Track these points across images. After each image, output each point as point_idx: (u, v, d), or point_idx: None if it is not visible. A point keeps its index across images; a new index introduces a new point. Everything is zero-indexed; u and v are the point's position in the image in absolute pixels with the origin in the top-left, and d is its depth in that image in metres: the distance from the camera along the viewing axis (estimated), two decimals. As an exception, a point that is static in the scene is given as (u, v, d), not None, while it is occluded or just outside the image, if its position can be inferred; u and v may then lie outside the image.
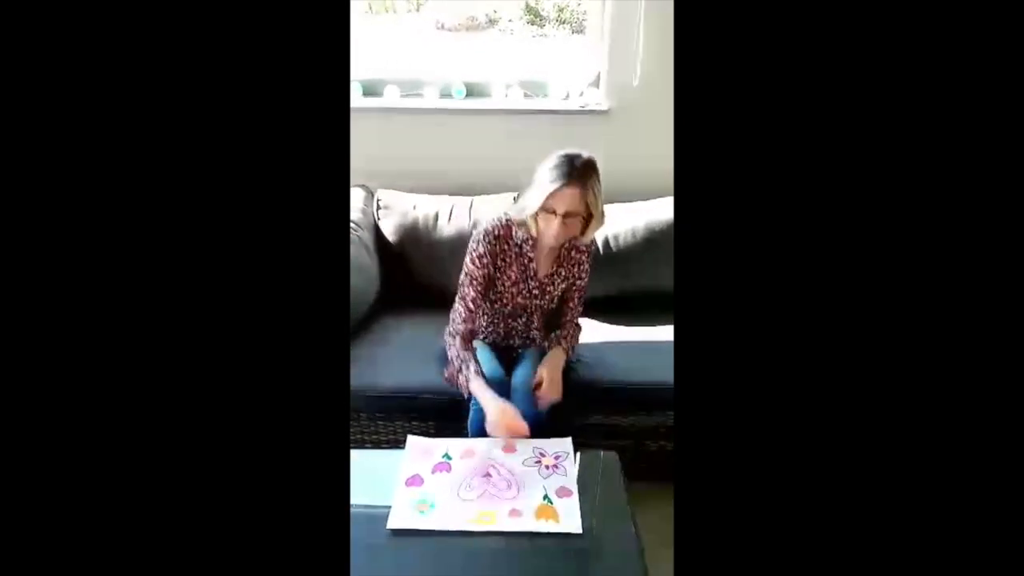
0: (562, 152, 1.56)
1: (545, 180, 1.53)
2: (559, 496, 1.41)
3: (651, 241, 2.23)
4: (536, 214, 1.57)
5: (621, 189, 2.30)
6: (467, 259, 1.69)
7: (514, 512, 1.36)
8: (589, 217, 1.59)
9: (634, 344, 2.05)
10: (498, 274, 1.71)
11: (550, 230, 1.57)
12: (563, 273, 1.76)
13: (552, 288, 1.76)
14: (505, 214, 1.70)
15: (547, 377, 1.65)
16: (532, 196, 1.56)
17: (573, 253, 1.75)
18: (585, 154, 1.56)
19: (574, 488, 1.44)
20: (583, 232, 1.63)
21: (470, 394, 1.62)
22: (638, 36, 2.29)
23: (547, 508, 1.38)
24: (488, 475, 1.47)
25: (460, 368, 1.65)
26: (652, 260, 2.19)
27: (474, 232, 1.71)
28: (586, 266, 1.77)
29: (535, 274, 1.73)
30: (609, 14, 2.31)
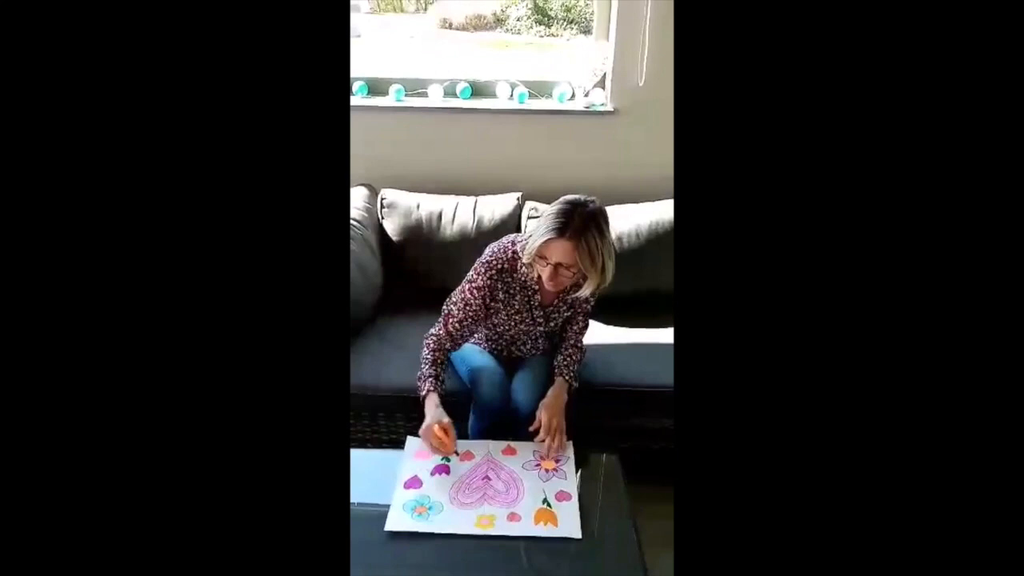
0: (570, 198, 1.50)
1: (542, 227, 1.48)
2: (558, 500, 1.40)
3: (656, 242, 2.22)
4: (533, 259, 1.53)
5: (626, 190, 2.30)
6: (466, 282, 1.64)
7: (513, 516, 1.36)
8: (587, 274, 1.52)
9: (638, 345, 2.04)
10: (500, 305, 1.67)
11: (543, 276, 1.52)
12: (569, 300, 1.72)
13: (557, 315, 1.74)
14: (513, 241, 1.65)
15: (546, 422, 1.54)
16: (530, 241, 1.52)
17: (566, 306, 1.73)
18: (593, 203, 1.49)
19: (574, 492, 1.43)
20: (580, 286, 1.56)
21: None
22: (644, 37, 2.28)
23: (546, 512, 1.37)
24: (487, 478, 1.46)
25: (420, 376, 1.60)
26: (657, 261, 2.18)
27: (484, 252, 1.65)
28: (588, 309, 1.75)
29: (539, 304, 1.70)
30: (615, 14, 2.30)
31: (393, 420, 1.86)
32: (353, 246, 2.08)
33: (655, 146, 2.32)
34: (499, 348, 1.80)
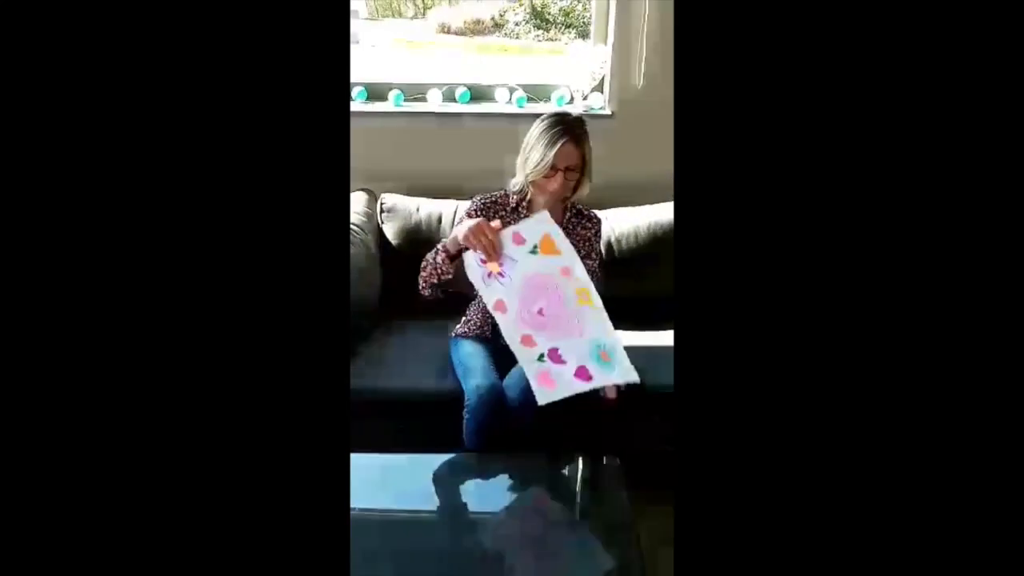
0: (550, 113, 1.65)
1: (545, 140, 1.60)
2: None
3: (655, 244, 2.22)
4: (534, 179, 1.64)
5: (625, 192, 2.30)
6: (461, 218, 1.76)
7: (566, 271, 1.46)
8: (581, 176, 1.66)
9: (637, 348, 2.03)
10: None
11: (551, 186, 1.62)
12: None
13: None
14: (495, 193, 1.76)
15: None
16: (535, 158, 1.61)
17: (579, 229, 1.74)
18: (572, 112, 1.62)
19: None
20: (576, 189, 1.68)
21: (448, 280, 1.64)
22: (642, 40, 2.28)
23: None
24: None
25: (431, 261, 1.64)
26: (655, 263, 2.19)
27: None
28: (596, 246, 1.77)
29: None
30: (613, 18, 2.31)
31: (393, 423, 1.86)
32: (353, 250, 2.08)
33: (653, 149, 2.32)
34: (488, 326, 1.80)
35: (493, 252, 1.50)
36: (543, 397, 1.52)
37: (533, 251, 1.49)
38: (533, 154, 1.63)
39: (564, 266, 1.47)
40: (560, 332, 1.49)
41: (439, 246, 1.63)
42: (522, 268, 1.50)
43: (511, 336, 1.56)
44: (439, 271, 1.62)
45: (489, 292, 1.56)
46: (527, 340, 1.53)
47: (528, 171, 1.64)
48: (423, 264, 1.67)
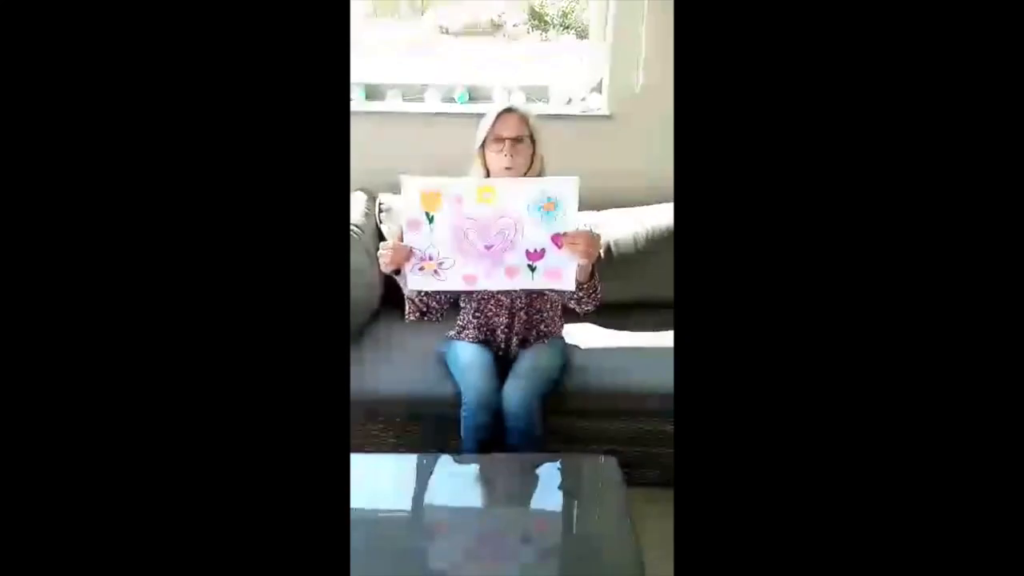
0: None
1: (487, 115, 1.67)
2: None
3: (653, 246, 2.23)
4: (484, 158, 1.66)
5: (622, 194, 2.31)
6: None
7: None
8: (532, 154, 1.69)
9: (636, 349, 2.04)
10: None
11: (500, 162, 1.63)
12: None
13: None
14: None
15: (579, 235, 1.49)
16: (478, 134, 1.66)
17: None
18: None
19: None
20: (530, 166, 1.70)
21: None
22: (640, 42, 2.29)
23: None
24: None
25: (406, 297, 1.68)
26: (652, 264, 2.19)
27: None
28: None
29: None
30: (612, 19, 2.31)
31: (391, 425, 1.86)
32: (351, 251, 2.08)
33: (652, 150, 2.33)
34: (480, 325, 1.81)
35: (404, 257, 1.51)
36: (568, 285, 1.53)
37: (429, 219, 1.49)
38: (480, 129, 1.69)
39: (454, 197, 1.47)
40: (512, 238, 1.49)
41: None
42: (442, 239, 1.50)
43: (498, 285, 1.56)
44: (414, 301, 1.67)
45: (450, 281, 1.55)
46: (510, 273, 1.52)
47: (476, 146, 1.69)
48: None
